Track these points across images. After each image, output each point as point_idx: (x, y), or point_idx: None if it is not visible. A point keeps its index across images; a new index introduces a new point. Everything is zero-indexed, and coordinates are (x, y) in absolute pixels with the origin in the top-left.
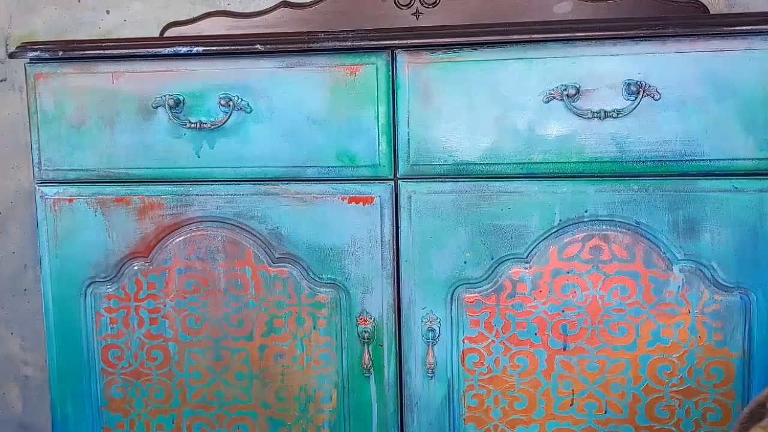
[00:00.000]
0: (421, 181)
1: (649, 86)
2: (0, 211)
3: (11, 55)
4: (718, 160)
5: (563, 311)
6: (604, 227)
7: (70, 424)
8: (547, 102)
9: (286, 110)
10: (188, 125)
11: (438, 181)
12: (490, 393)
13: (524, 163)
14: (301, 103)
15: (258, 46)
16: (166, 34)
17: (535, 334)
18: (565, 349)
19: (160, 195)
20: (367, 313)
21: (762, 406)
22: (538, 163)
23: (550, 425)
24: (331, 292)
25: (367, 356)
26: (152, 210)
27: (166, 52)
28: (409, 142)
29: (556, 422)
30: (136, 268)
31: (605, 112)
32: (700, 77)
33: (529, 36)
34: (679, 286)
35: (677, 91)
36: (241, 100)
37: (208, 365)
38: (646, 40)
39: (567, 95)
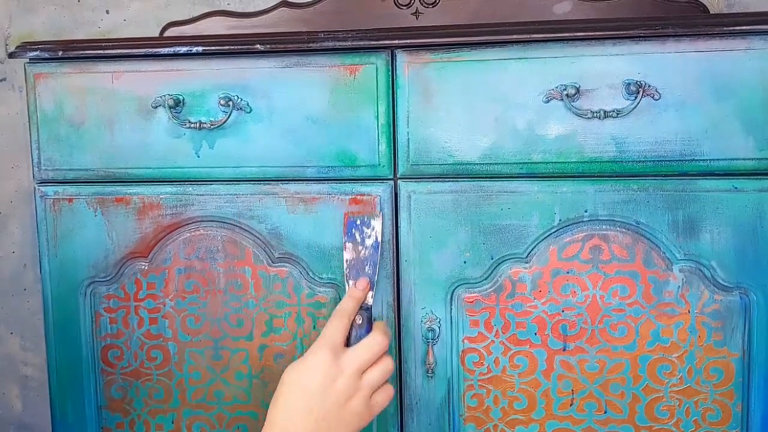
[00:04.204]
0: (420, 181)
1: (649, 86)
2: (0, 210)
3: (11, 55)
4: (717, 159)
5: (563, 311)
6: (603, 227)
7: (69, 424)
8: (547, 102)
9: (286, 110)
10: (188, 125)
11: (438, 181)
12: (489, 393)
13: (524, 162)
14: (300, 102)
15: (258, 45)
16: (166, 33)
17: (535, 334)
18: (564, 349)
19: (160, 195)
20: None
21: None
22: (537, 162)
23: (550, 425)
24: (330, 292)
25: None
26: (152, 210)
27: (166, 52)
28: (408, 142)
29: (556, 422)
30: (135, 268)
31: (605, 111)
32: (700, 77)
33: (528, 36)
34: (678, 286)
35: (677, 90)
36: (241, 99)
37: (208, 365)
38: (645, 40)
39: (567, 95)
